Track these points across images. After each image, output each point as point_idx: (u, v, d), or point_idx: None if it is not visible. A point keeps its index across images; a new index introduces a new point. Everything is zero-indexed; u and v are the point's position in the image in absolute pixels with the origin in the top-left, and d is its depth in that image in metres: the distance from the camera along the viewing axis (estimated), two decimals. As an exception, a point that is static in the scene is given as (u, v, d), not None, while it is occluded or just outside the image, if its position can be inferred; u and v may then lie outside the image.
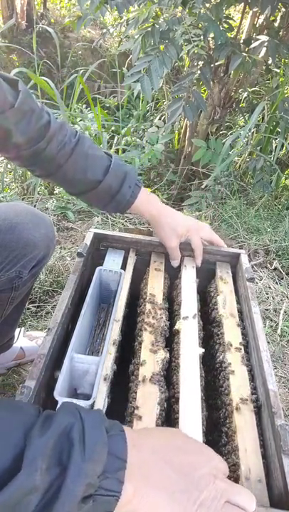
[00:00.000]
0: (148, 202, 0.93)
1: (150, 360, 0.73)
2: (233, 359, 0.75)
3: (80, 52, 3.81)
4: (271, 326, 1.58)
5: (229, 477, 0.52)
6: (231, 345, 0.78)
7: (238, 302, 0.90)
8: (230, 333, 0.81)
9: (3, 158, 2.36)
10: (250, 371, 0.75)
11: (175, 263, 0.98)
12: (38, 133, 0.82)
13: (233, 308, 0.87)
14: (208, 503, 0.45)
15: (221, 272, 0.97)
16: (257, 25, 2.10)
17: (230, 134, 2.42)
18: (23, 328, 1.36)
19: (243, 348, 0.78)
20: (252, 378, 0.73)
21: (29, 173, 2.16)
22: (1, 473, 0.38)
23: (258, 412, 0.68)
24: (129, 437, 0.45)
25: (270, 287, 1.75)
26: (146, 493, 0.44)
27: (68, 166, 0.87)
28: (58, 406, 0.45)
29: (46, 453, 0.39)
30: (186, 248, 0.97)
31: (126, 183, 0.89)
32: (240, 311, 0.87)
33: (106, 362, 0.71)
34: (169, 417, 0.69)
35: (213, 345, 0.83)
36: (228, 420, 0.67)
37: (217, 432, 0.70)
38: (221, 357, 0.77)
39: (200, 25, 1.72)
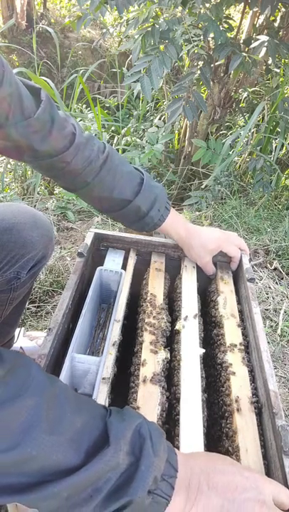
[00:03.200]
0: (175, 223, 0.91)
1: (151, 360, 0.73)
2: (234, 359, 0.75)
3: (80, 52, 3.82)
4: (271, 326, 1.58)
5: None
6: (235, 345, 0.78)
7: (239, 302, 0.90)
8: (231, 333, 0.81)
9: (3, 158, 2.36)
10: (251, 371, 0.74)
11: (212, 277, 0.98)
12: (61, 144, 0.78)
13: (234, 308, 0.87)
14: None
15: (221, 273, 0.97)
16: (257, 25, 2.10)
17: (230, 134, 2.42)
18: (23, 328, 1.36)
19: (243, 348, 0.78)
20: (253, 379, 0.73)
21: (29, 173, 2.16)
22: (87, 447, 0.43)
23: (258, 412, 0.67)
24: (178, 453, 0.48)
25: (270, 287, 1.75)
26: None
27: (95, 183, 0.83)
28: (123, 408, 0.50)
29: (126, 438, 0.44)
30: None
31: (156, 206, 0.86)
32: (240, 312, 0.87)
33: (106, 362, 0.71)
34: (169, 417, 0.69)
35: (214, 345, 0.83)
36: (228, 421, 0.67)
37: (218, 432, 0.70)
38: (221, 357, 0.77)
39: (200, 25, 1.72)
